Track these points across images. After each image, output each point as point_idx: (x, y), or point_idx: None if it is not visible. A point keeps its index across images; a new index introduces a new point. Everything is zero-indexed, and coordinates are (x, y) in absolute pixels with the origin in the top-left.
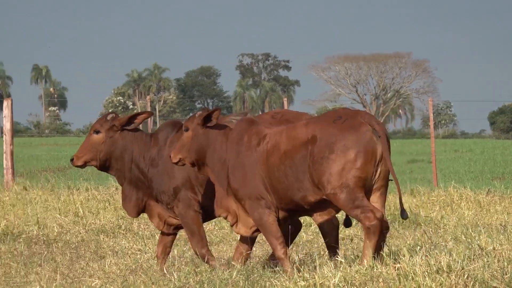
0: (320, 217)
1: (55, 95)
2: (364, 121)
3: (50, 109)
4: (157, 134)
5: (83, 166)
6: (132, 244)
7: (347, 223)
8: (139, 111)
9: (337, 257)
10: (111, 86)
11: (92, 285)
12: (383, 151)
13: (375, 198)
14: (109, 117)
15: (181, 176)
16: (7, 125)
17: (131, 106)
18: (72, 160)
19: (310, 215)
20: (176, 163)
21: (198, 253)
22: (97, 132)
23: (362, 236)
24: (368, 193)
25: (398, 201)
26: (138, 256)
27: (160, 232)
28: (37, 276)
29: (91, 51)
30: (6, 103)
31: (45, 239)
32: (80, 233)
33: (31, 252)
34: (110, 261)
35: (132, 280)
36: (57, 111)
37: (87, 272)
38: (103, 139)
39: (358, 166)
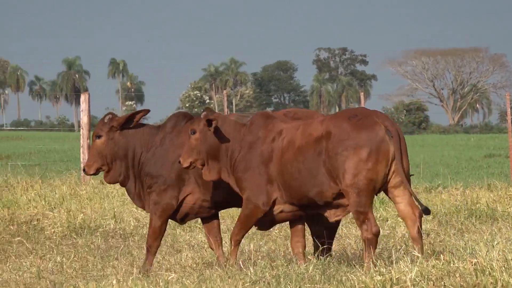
0: (334, 214)
1: (132, 89)
2: (379, 120)
3: (127, 103)
4: (166, 123)
5: (95, 173)
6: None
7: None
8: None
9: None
10: (188, 80)
11: (169, 279)
12: (395, 151)
13: (400, 193)
14: (106, 119)
15: (174, 170)
16: (84, 119)
17: (207, 100)
18: (84, 170)
19: (323, 211)
20: (188, 167)
21: (147, 243)
22: (99, 136)
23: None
24: (387, 191)
25: (474, 195)
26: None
27: (202, 221)
28: (114, 270)
29: (168, 45)
30: (83, 97)
31: (121, 233)
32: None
33: (108, 246)
34: (187, 255)
35: (208, 274)
36: (134, 105)
37: (163, 266)
38: (105, 142)
39: (370, 167)
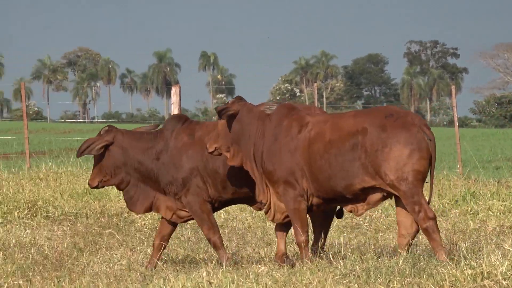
0: (362, 208)
1: (223, 82)
2: (415, 123)
3: (217, 96)
4: (163, 128)
5: (99, 187)
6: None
7: (339, 215)
8: (306, 99)
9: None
10: (279, 73)
11: (259, 271)
12: (432, 153)
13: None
14: (102, 132)
15: (189, 166)
16: (175, 112)
17: (298, 93)
18: (89, 184)
19: (349, 205)
20: (212, 153)
21: (209, 241)
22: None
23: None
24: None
25: None
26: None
27: (160, 223)
28: (204, 262)
29: (259, 38)
30: (174, 90)
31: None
32: (247, 219)
33: (198, 238)
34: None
35: (298, 267)
36: (225, 98)
37: (254, 259)
38: (105, 157)
39: (414, 161)
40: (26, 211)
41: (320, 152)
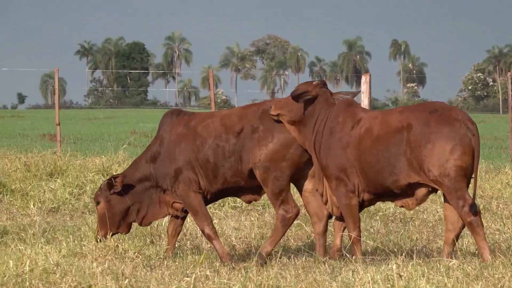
0: (412, 204)
1: (414, 71)
2: (458, 118)
3: (408, 85)
4: (159, 128)
5: (106, 237)
6: (490, 224)
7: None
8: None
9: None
10: (471, 62)
11: (450, 264)
12: (475, 148)
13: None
14: (102, 186)
15: (182, 158)
16: (365, 101)
17: (491, 83)
18: (100, 240)
19: (399, 201)
20: (273, 116)
21: (203, 232)
22: (98, 203)
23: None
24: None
25: None
26: (497, 236)
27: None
28: (394, 255)
29: (451, 26)
30: (364, 79)
31: (401, 217)
32: (438, 211)
33: (388, 230)
34: (468, 241)
35: (490, 261)
36: (416, 87)
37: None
38: (105, 206)
39: (456, 156)
40: None
41: (368, 147)
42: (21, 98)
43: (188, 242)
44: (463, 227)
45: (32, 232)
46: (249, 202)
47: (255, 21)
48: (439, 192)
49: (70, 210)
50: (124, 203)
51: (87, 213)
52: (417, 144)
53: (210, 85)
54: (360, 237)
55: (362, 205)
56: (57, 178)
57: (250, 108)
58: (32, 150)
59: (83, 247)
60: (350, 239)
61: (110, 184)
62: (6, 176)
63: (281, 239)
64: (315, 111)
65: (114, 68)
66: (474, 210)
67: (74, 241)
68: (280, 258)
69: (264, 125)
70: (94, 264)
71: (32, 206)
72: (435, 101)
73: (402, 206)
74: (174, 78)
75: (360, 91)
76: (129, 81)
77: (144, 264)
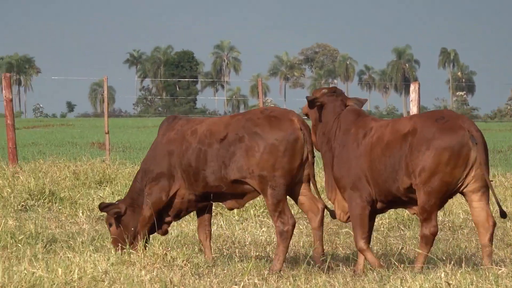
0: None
1: (463, 80)
2: (464, 126)
3: (457, 93)
4: (157, 133)
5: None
6: None
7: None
8: None
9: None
10: None
11: (499, 273)
12: (478, 157)
13: (477, 198)
14: (110, 213)
15: (167, 162)
16: (413, 109)
17: None
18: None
19: (409, 207)
20: (303, 115)
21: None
22: (110, 224)
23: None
24: (465, 195)
25: None
26: None
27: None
28: (442, 263)
29: (503, 34)
30: (413, 87)
31: (450, 225)
32: None
33: (437, 239)
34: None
35: None
36: (465, 96)
37: (493, 261)
38: (117, 227)
39: (448, 170)
40: (262, 209)
41: (379, 155)
42: (70, 107)
43: (237, 250)
44: (494, 225)
45: (81, 240)
46: (231, 209)
47: (304, 29)
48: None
49: None
50: (135, 218)
51: None
52: (417, 148)
53: (259, 94)
54: (369, 246)
55: (374, 214)
56: (106, 186)
57: (235, 117)
58: (81, 159)
59: (132, 255)
60: (357, 248)
61: (115, 212)
62: (55, 184)
63: (288, 251)
64: (323, 118)
65: (163, 76)
66: (434, 230)
67: (122, 249)
68: (328, 265)
69: (249, 135)
70: (143, 272)
71: (81, 214)
72: (446, 109)
73: (414, 214)
74: (223, 86)
75: (367, 100)
76: (178, 89)
77: (193, 272)
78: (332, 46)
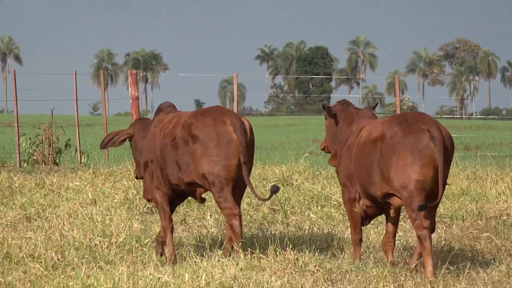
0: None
1: None
2: (425, 127)
3: None
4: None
5: (138, 178)
6: None
7: (274, 189)
8: None
9: None
10: None
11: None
12: (437, 157)
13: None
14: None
15: (147, 154)
16: None
17: None
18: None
19: (389, 210)
20: (323, 149)
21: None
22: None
23: None
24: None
25: None
26: None
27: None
28: None
29: None
30: None
31: None
32: None
33: None
34: None
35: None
36: None
37: None
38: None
39: (416, 170)
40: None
41: (357, 155)
42: (199, 105)
43: (371, 255)
44: (432, 231)
45: (208, 244)
46: (201, 202)
47: (443, 24)
48: None
49: (248, 222)
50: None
51: (266, 224)
52: (386, 155)
53: (396, 91)
54: (361, 241)
55: (367, 213)
56: None
57: (184, 116)
58: None
59: (262, 260)
60: (351, 241)
61: (134, 124)
62: None
63: None
64: (338, 127)
65: (295, 73)
66: (425, 224)
67: (252, 254)
68: (468, 272)
69: (191, 137)
70: (273, 278)
71: (209, 216)
72: (412, 112)
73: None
74: (358, 83)
75: (377, 103)
76: (311, 87)
77: (325, 278)
78: (473, 42)
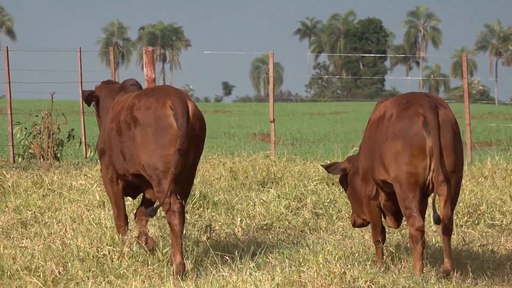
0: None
1: None
2: (421, 111)
3: None
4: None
5: None
6: None
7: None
8: None
9: None
10: None
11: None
12: (433, 146)
13: (442, 191)
14: None
15: (102, 139)
16: None
17: None
18: None
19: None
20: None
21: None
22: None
23: None
24: (426, 190)
25: None
26: None
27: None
28: None
29: None
30: None
31: None
32: None
33: None
34: None
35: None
36: None
37: None
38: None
39: (406, 160)
40: (466, 217)
41: (366, 140)
42: (227, 89)
43: (433, 268)
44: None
45: (238, 254)
46: (149, 200)
47: None
48: None
49: (286, 228)
50: None
51: (308, 231)
52: (382, 139)
53: (463, 73)
54: (383, 242)
55: (387, 208)
56: (270, 188)
57: (131, 96)
58: (239, 153)
59: (302, 274)
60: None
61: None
62: (208, 186)
63: None
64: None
65: (343, 51)
66: (417, 225)
67: (290, 267)
68: None
69: (133, 121)
70: None
71: (239, 222)
72: (415, 92)
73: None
74: (418, 63)
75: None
76: (361, 67)
77: None
78: None
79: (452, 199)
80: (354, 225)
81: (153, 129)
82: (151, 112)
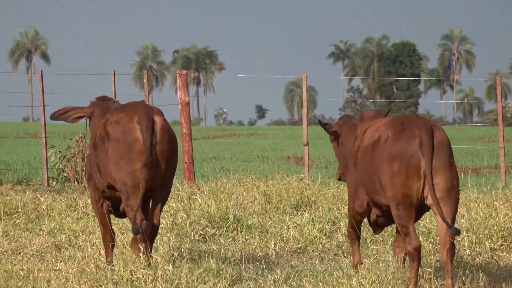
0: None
1: None
2: (417, 133)
3: None
4: None
5: None
6: None
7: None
8: None
9: None
10: None
11: None
12: (426, 167)
13: (443, 209)
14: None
15: (90, 159)
16: None
17: None
18: None
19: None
20: (339, 179)
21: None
22: None
23: None
24: (431, 207)
25: None
26: None
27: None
28: None
29: None
30: None
31: None
32: None
33: None
34: None
35: None
36: None
37: None
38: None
39: (402, 181)
40: (500, 241)
41: (362, 161)
42: (261, 112)
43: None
44: (452, 238)
45: (272, 278)
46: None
47: None
48: None
49: (320, 252)
50: None
51: (341, 255)
52: (378, 160)
53: (497, 96)
54: (356, 245)
55: (379, 223)
56: (304, 211)
57: (108, 113)
58: (273, 177)
59: None
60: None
61: (94, 104)
62: (242, 209)
63: None
64: (344, 144)
65: (376, 74)
66: (413, 244)
67: None
68: None
69: (106, 135)
70: None
71: (272, 245)
72: (410, 115)
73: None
74: (451, 87)
75: (389, 111)
76: (395, 90)
77: None
78: None
79: (452, 216)
80: (340, 179)
81: (121, 143)
82: (120, 127)
